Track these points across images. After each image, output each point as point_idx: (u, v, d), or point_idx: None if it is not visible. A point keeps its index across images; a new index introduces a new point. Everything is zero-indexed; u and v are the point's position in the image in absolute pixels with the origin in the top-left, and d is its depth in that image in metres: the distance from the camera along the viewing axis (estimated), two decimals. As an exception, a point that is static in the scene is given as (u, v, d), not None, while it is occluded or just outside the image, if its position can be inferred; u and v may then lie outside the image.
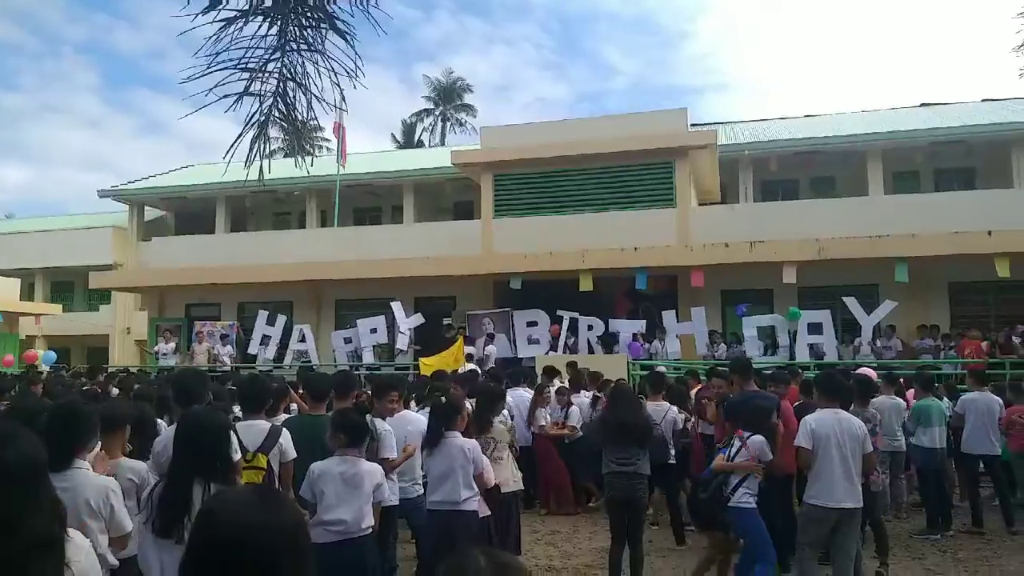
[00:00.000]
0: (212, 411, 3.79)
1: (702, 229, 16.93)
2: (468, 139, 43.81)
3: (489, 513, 5.75)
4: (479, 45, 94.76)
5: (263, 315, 18.32)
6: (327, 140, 36.34)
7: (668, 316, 15.89)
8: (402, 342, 16.73)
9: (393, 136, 48.07)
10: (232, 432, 3.78)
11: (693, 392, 9.31)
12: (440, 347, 15.72)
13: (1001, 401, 8.58)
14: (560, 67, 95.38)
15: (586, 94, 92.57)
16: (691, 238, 16.81)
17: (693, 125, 20.22)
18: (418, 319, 17.07)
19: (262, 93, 3.93)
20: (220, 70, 3.75)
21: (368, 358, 17.03)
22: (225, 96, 3.75)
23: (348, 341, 17.48)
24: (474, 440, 5.52)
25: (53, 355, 19.76)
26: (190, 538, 1.44)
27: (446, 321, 19.09)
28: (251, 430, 4.52)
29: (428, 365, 12.99)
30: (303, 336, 17.84)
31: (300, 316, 19.54)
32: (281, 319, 18.20)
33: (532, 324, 16.68)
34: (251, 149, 4.00)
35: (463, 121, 48.77)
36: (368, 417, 5.45)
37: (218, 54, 3.77)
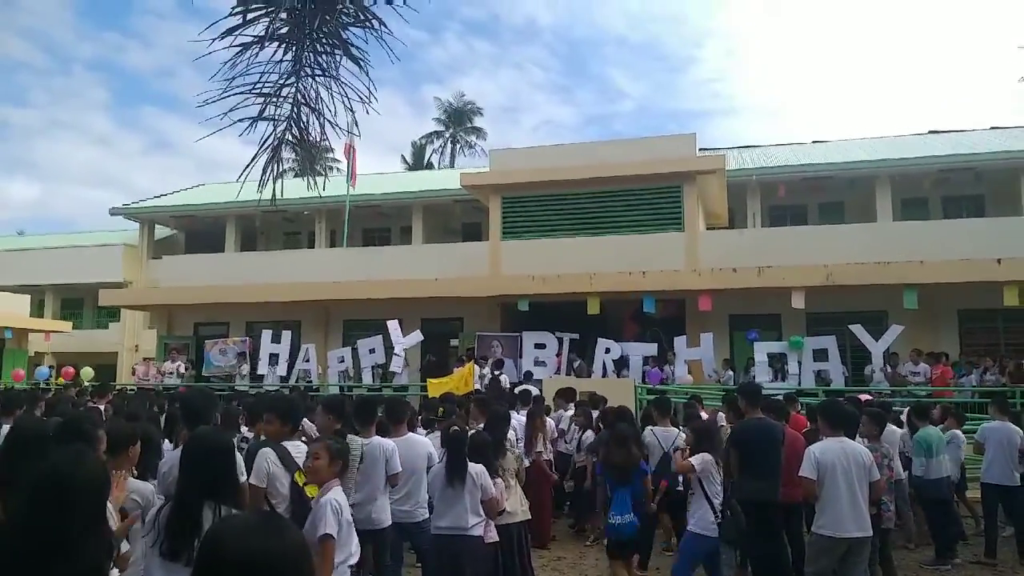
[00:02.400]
0: (219, 432, 3.80)
1: (710, 254, 16.95)
2: (477, 161, 44.06)
3: (497, 539, 5.71)
4: (487, 67, 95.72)
5: (267, 334, 18.38)
6: (337, 161, 36.68)
7: (679, 341, 15.89)
8: (396, 364, 16.67)
9: (403, 157, 48.43)
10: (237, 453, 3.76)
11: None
12: (446, 371, 15.77)
13: (1022, 432, 8.48)
14: (567, 90, 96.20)
15: (594, 117, 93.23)
16: (699, 262, 16.83)
17: (702, 150, 20.32)
18: (416, 337, 17.04)
19: (276, 117, 3.99)
20: (236, 94, 3.80)
21: (368, 379, 17.02)
22: (240, 120, 3.81)
23: (342, 360, 17.52)
24: (481, 465, 5.50)
25: (46, 371, 19.76)
26: (196, 562, 1.47)
27: (453, 343, 19.10)
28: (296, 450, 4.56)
29: (436, 385, 12.97)
30: (308, 356, 17.88)
31: (308, 336, 19.57)
32: (287, 336, 18.26)
33: (540, 346, 16.70)
34: (264, 171, 4.04)
35: (472, 143, 49.10)
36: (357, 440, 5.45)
37: (234, 78, 3.84)
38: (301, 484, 4.36)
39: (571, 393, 10.74)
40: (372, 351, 17.16)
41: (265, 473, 4.23)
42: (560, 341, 16.62)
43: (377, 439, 5.68)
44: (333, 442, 4.57)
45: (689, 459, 6.05)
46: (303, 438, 6.01)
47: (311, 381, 17.43)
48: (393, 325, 16.77)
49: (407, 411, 6.53)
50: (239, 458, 4.20)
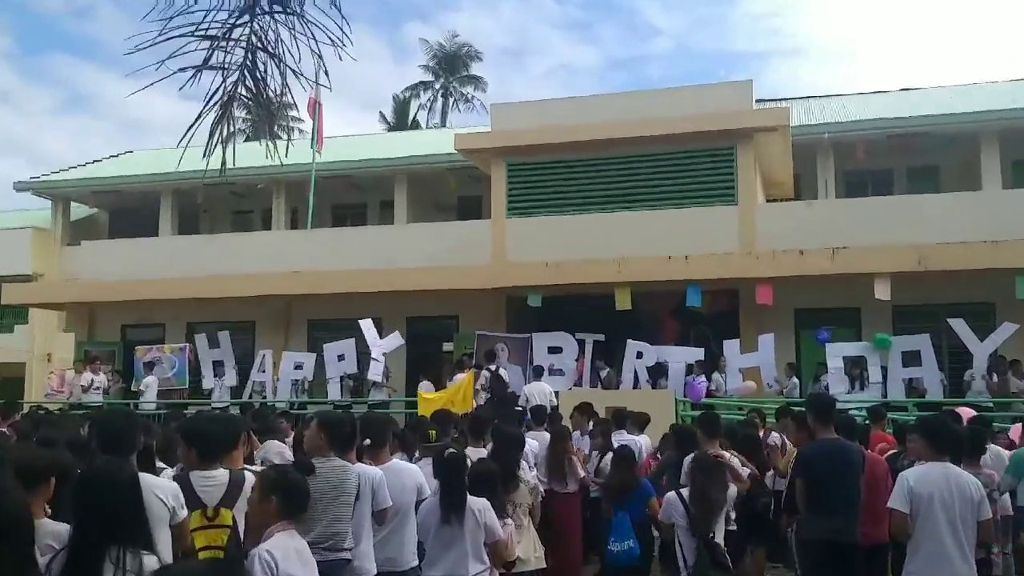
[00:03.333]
0: (116, 463, 3.82)
1: (771, 232, 16.98)
2: (475, 119, 44.14)
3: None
4: (485, 0, 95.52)
5: (201, 338, 18.64)
6: (300, 121, 36.76)
7: (731, 345, 15.95)
8: (375, 371, 16.76)
9: (382, 115, 48.58)
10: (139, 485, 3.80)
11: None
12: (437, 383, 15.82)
13: None
14: (588, 26, 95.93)
15: (621, 60, 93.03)
16: (757, 244, 16.85)
17: (759, 101, 20.23)
18: (395, 341, 17.14)
19: (226, 66, 4.01)
20: (174, 37, 3.82)
21: (334, 392, 17.15)
22: (180, 70, 3.84)
23: (299, 368, 17.65)
24: (485, 500, 5.54)
25: None
26: None
27: (447, 347, 19.16)
28: (208, 482, 4.59)
29: (429, 401, 13.05)
30: (263, 363, 18.05)
31: (264, 340, 19.72)
32: (225, 338, 18.51)
33: (555, 351, 16.74)
34: (211, 135, 4.07)
35: (469, 96, 49.23)
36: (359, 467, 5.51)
37: (172, 17, 3.85)
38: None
39: (590, 409, 10.80)
40: (341, 358, 17.27)
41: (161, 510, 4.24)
42: (581, 344, 16.67)
43: (361, 467, 5.75)
44: (270, 471, 4.61)
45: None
46: (259, 463, 6.08)
47: (264, 395, 17.60)
48: (367, 324, 16.85)
49: (390, 432, 6.58)
50: (175, 490, 4.31)
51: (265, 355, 18.13)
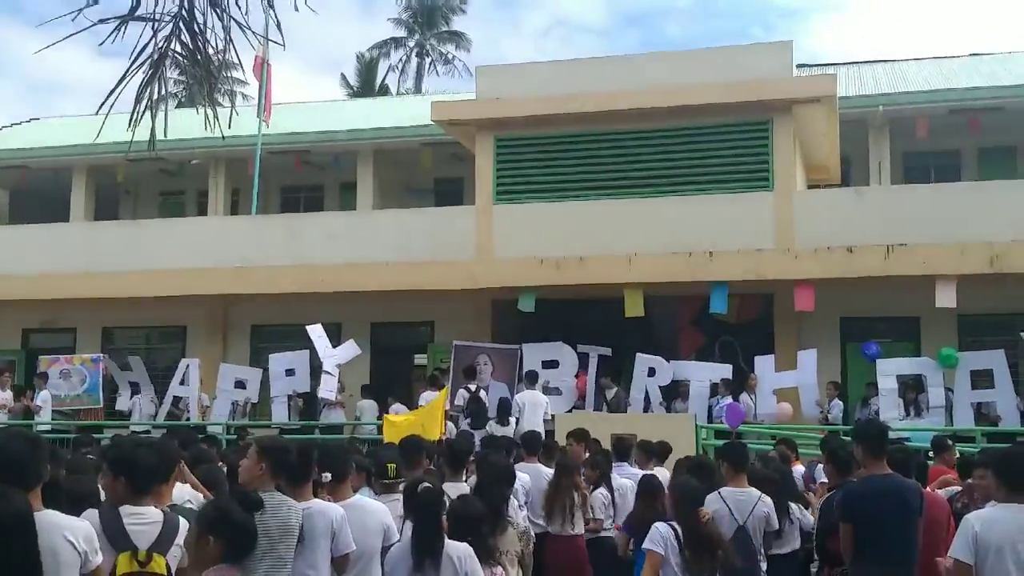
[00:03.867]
0: (10, 495, 3.83)
1: (813, 225, 17.04)
2: (457, 84, 44.12)
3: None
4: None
5: (115, 359, 18.81)
6: (245, 84, 36.55)
7: (762, 362, 16.04)
8: (327, 387, 16.71)
9: (344, 78, 48.55)
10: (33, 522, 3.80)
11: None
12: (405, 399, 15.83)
13: None
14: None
15: (633, 15, 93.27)
16: (796, 238, 16.92)
17: (799, 67, 20.34)
18: (351, 350, 17.12)
19: (156, 16, 4.01)
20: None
21: (280, 413, 17.21)
22: (101, 22, 3.83)
23: (241, 386, 17.68)
24: (466, 545, 5.55)
25: None
26: None
27: (419, 360, 19.11)
28: (140, 520, 4.62)
29: (395, 425, 13.02)
30: (184, 375, 18.00)
31: (198, 350, 19.72)
32: (137, 364, 18.64)
33: (551, 365, 16.79)
34: (138, 100, 4.07)
35: (449, 57, 49.28)
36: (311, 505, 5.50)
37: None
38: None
39: (585, 436, 10.85)
40: (290, 372, 17.25)
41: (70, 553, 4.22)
42: (583, 358, 16.74)
43: (319, 503, 5.75)
44: (209, 507, 4.60)
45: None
46: (188, 500, 6.06)
47: (189, 417, 17.64)
48: (316, 331, 16.78)
49: (351, 463, 6.58)
50: (88, 532, 4.27)
51: (189, 365, 18.07)
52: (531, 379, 15.65)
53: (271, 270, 18.60)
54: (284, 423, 16.99)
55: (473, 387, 15.56)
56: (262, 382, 17.77)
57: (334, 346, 17.08)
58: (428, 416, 13.72)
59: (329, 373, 16.73)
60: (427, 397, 15.27)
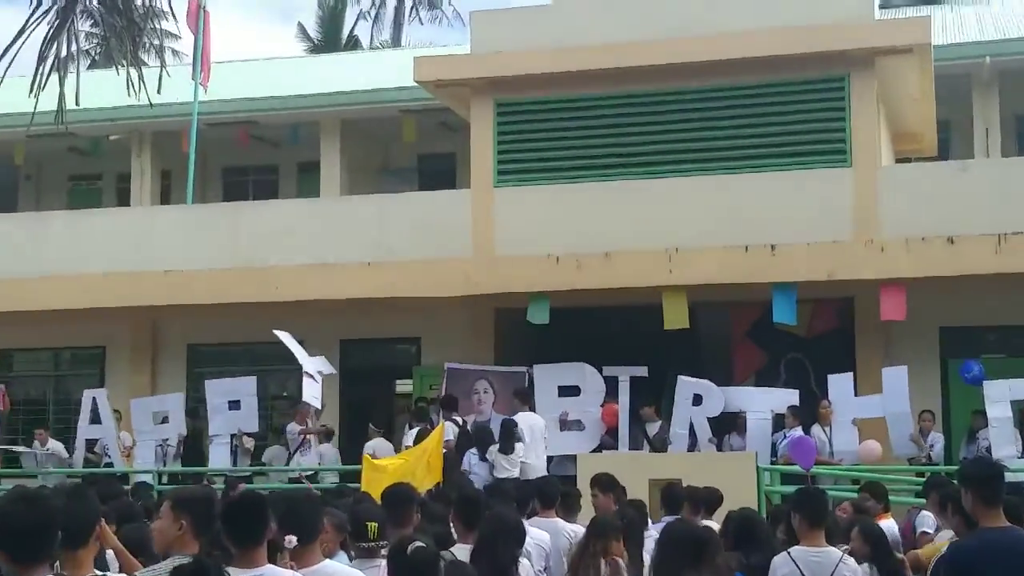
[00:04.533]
0: None
1: (903, 209, 16.99)
2: (445, 35, 44.16)
3: None
4: None
5: None
6: (175, 38, 36.51)
7: (839, 385, 15.93)
8: (311, 392, 16.59)
9: (302, 29, 48.58)
10: None
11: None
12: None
13: None
14: None
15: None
16: (881, 226, 16.87)
17: (883, 7, 20.27)
18: (323, 366, 17.11)
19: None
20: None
21: (222, 457, 17.16)
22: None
23: (163, 421, 17.64)
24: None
25: None
26: None
27: (401, 386, 19.11)
28: None
29: (377, 471, 12.98)
30: (95, 411, 17.92)
31: (119, 376, 19.77)
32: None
33: (569, 392, 16.72)
34: (42, 60, 4.04)
35: (436, 1, 49.09)
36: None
37: None
38: None
39: (613, 485, 10.77)
40: (233, 405, 17.20)
41: None
42: (611, 382, 16.62)
43: (273, 571, 5.70)
44: None
45: None
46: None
47: (109, 460, 17.65)
48: (286, 336, 16.88)
49: (321, 521, 6.53)
50: None
51: (96, 398, 17.99)
52: (523, 398, 15.68)
53: (212, 274, 18.52)
54: (228, 469, 16.87)
55: (460, 419, 15.56)
56: (192, 410, 17.82)
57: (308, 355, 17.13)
58: (420, 459, 13.69)
59: (311, 377, 16.67)
60: (412, 436, 15.32)
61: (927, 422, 16.12)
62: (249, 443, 17.60)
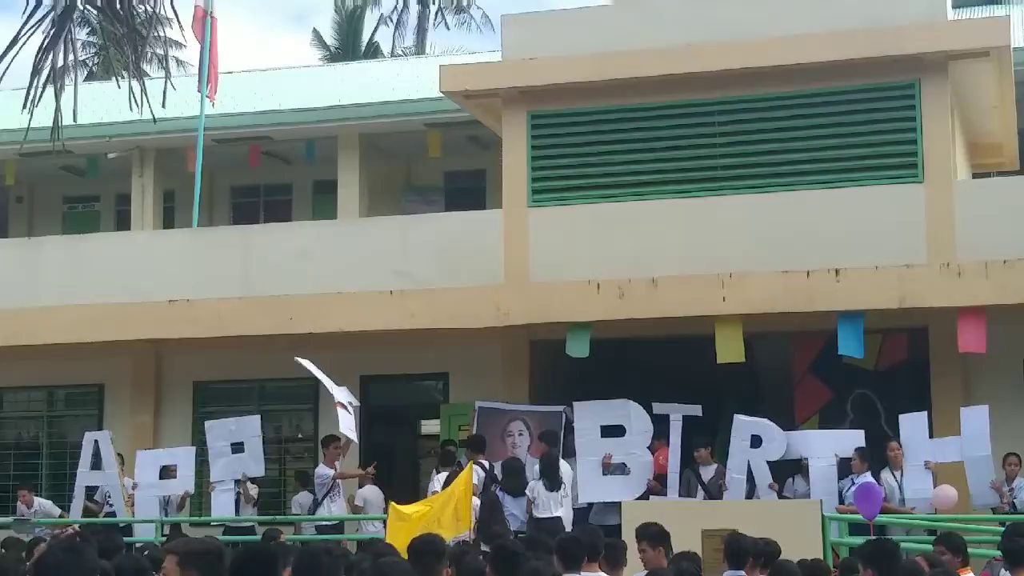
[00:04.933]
0: None
1: (982, 229, 16.85)
2: (475, 41, 44.22)
3: None
4: None
5: None
6: (180, 47, 36.65)
7: (911, 425, 15.79)
8: (347, 424, 16.59)
9: (317, 35, 48.83)
10: None
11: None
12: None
13: None
14: None
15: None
16: (958, 248, 16.75)
17: (956, 7, 20.15)
18: (348, 397, 17.07)
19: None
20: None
21: (225, 506, 17.14)
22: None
23: (170, 475, 17.59)
24: None
25: None
26: None
27: (427, 427, 19.06)
28: None
29: (406, 520, 12.98)
30: (96, 455, 17.87)
31: (119, 416, 19.79)
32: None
33: (613, 432, 16.57)
34: (36, 72, 4.07)
35: (464, 3, 49.24)
36: None
37: None
38: None
39: (663, 538, 10.69)
40: (237, 448, 17.17)
41: None
42: (662, 422, 16.43)
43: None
44: None
45: None
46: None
47: (111, 509, 17.60)
48: (310, 364, 16.85)
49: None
50: None
51: (99, 441, 17.94)
52: (551, 439, 15.69)
53: (220, 304, 18.58)
54: (230, 518, 16.98)
55: (486, 464, 15.56)
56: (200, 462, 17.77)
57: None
58: (446, 506, 13.66)
59: (344, 408, 16.65)
60: (440, 480, 15.34)
61: (1013, 466, 15.83)
62: (253, 490, 17.47)
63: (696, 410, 16.46)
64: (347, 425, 16.60)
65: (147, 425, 19.34)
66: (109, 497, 17.79)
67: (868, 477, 15.37)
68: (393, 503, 14.13)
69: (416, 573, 7.32)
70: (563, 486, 15.07)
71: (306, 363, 16.83)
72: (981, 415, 15.50)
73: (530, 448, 16.96)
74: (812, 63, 17.22)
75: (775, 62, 17.30)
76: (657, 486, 16.24)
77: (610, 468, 16.18)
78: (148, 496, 17.38)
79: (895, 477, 15.80)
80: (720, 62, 17.48)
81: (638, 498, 15.63)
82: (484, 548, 11.34)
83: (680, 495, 15.77)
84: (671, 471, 16.20)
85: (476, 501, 14.36)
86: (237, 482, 17.21)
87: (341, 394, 16.76)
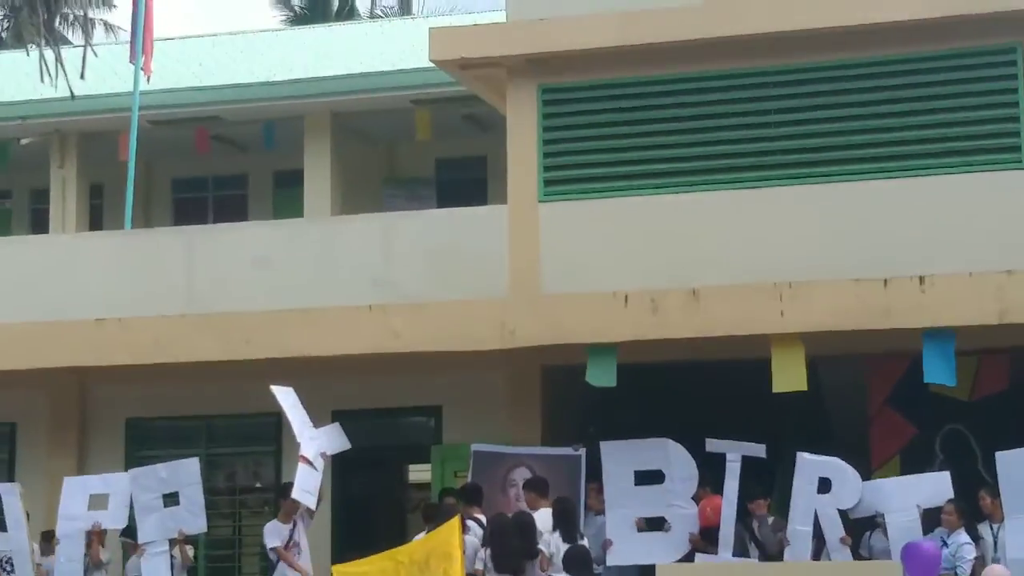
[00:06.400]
0: None
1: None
2: (470, 1, 44.10)
3: None
4: None
5: None
6: (108, 7, 36.73)
7: (1014, 463, 15.32)
8: (305, 485, 16.13)
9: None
10: None
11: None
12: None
13: None
14: None
15: None
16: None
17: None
18: (337, 438, 16.98)
19: None
20: None
21: (157, 573, 16.71)
22: None
23: (100, 505, 17.29)
24: None
25: None
26: None
27: (416, 473, 18.85)
28: None
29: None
30: (11, 513, 17.56)
31: (33, 461, 19.80)
32: None
33: (649, 478, 16.42)
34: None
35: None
36: None
37: None
38: None
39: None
40: (170, 499, 16.86)
41: None
42: (715, 464, 16.13)
43: None
44: None
45: None
46: None
47: (11, 570, 17.44)
48: (287, 396, 16.43)
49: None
50: None
51: (2, 496, 17.55)
52: (540, 491, 15.71)
53: (158, 324, 18.35)
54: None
55: (482, 519, 15.54)
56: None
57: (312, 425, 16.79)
58: (415, 562, 13.69)
59: (310, 463, 16.22)
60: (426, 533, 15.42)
61: None
62: (190, 550, 17.18)
63: (759, 450, 16.11)
64: (303, 487, 16.16)
65: (68, 472, 18.95)
66: (9, 564, 17.54)
67: (962, 534, 15.20)
68: (336, 567, 14.50)
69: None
70: (584, 538, 15.03)
71: (281, 393, 16.46)
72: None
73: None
74: (887, 23, 17.08)
75: (844, 22, 17.16)
76: (702, 543, 15.96)
77: (650, 524, 16.05)
78: (72, 529, 17.03)
79: (992, 532, 15.46)
80: (775, 22, 17.34)
81: (680, 559, 15.45)
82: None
83: (733, 554, 15.43)
84: (724, 523, 15.81)
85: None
86: (172, 542, 16.82)
87: (311, 445, 16.33)
